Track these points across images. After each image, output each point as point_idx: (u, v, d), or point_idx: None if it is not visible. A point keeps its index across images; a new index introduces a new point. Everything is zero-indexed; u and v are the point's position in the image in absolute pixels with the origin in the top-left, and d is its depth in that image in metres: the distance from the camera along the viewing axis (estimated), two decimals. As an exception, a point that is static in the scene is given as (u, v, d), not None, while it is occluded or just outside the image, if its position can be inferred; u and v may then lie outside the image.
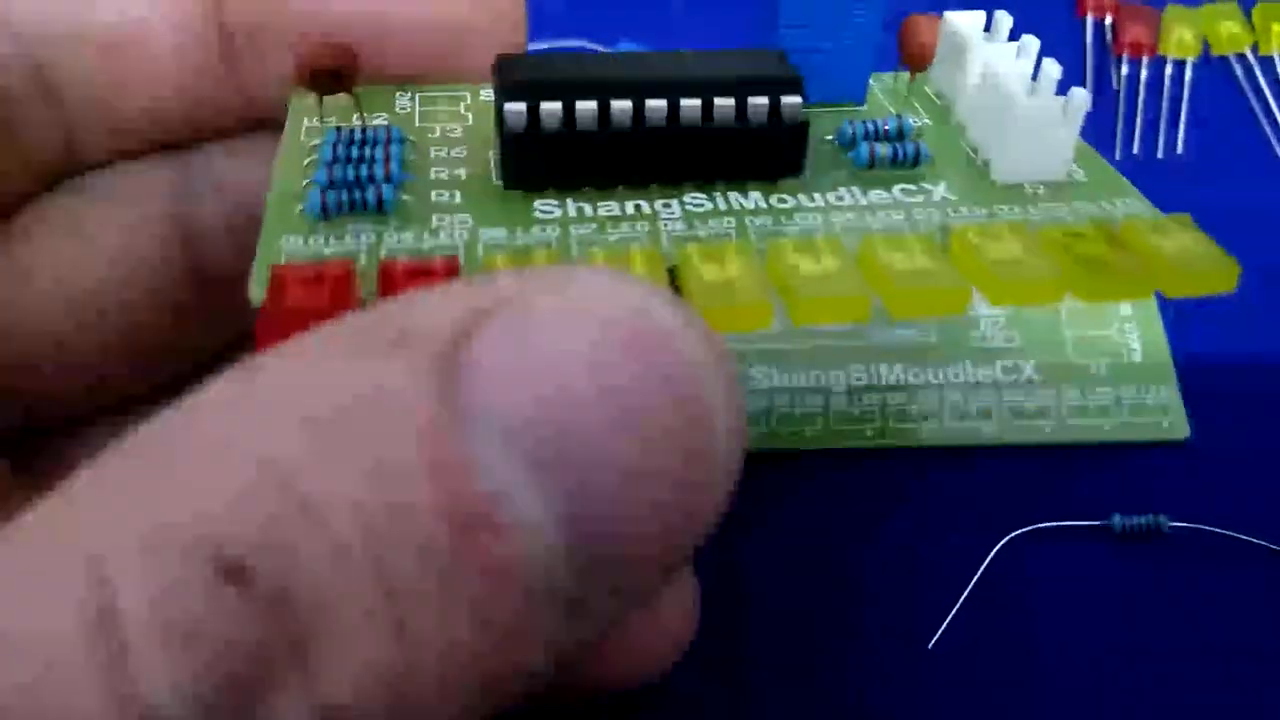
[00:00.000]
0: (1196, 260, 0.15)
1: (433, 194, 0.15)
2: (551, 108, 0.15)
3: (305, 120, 0.17)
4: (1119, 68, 0.32)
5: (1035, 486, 0.24)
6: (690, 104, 0.15)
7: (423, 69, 0.18)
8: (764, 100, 0.15)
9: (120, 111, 0.17)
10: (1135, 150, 0.30)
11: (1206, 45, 0.32)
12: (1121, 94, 0.31)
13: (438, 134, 0.17)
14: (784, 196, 0.16)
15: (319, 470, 0.09)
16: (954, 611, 0.22)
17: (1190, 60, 0.32)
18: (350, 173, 0.14)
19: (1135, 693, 0.21)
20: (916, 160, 0.17)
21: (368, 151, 0.15)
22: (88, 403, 0.18)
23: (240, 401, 0.10)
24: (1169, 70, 0.32)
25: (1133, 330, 0.26)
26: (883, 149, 0.17)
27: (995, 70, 0.17)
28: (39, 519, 0.09)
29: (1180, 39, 0.32)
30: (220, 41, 0.17)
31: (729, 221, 0.15)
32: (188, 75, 0.17)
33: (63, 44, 0.17)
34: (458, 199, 0.15)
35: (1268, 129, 0.30)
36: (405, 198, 0.15)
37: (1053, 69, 0.16)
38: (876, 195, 0.16)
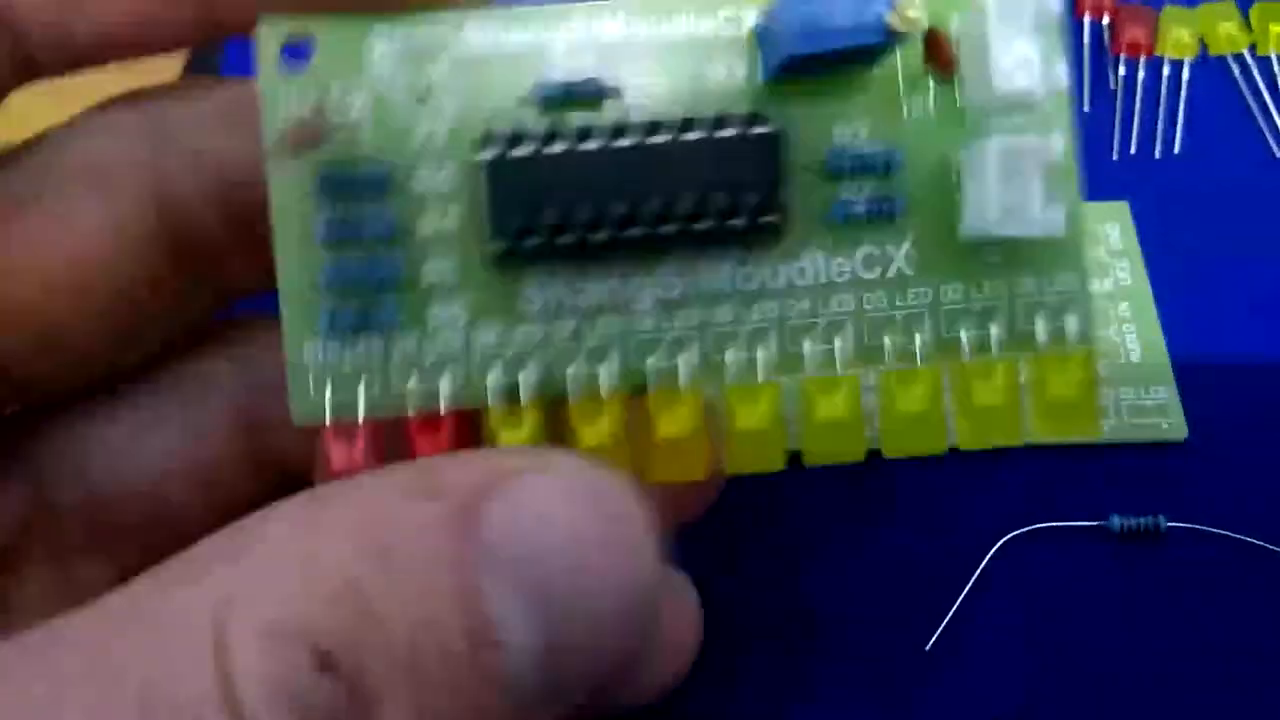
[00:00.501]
0: (1066, 416, 0.17)
1: (425, 269, 0.16)
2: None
3: (288, 181, 0.16)
4: (1116, 68, 0.32)
5: (1034, 487, 0.24)
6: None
7: None
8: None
9: (73, 37, 0.17)
10: (1133, 150, 0.30)
11: (1204, 45, 0.32)
12: (1119, 94, 0.31)
13: (422, 136, 0.16)
14: (750, 273, 0.16)
15: (382, 587, 0.12)
16: (952, 612, 0.22)
17: (1188, 60, 0.32)
18: (349, 272, 0.16)
19: (1134, 692, 0.21)
20: (893, 216, 0.16)
21: (359, 224, 0.16)
22: (70, 380, 0.18)
23: (323, 523, 0.13)
24: (1166, 70, 0.32)
25: (1131, 331, 0.26)
26: (858, 208, 0.16)
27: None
28: (159, 585, 0.12)
29: (1178, 39, 0.32)
30: None
31: (694, 314, 0.16)
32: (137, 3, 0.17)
33: None
34: (449, 272, 0.16)
35: (1265, 129, 0.30)
36: (403, 310, 0.16)
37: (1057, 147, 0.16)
38: (838, 269, 0.16)
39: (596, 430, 0.16)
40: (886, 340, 0.16)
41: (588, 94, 0.16)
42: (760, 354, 0.16)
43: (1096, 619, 0.22)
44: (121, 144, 0.18)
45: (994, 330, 0.16)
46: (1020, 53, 0.15)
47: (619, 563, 0.13)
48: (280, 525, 0.13)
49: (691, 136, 0.16)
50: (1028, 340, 0.16)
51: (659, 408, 0.16)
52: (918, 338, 0.16)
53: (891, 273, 0.16)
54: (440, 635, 0.12)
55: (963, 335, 0.16)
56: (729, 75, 0.16)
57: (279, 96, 0.16)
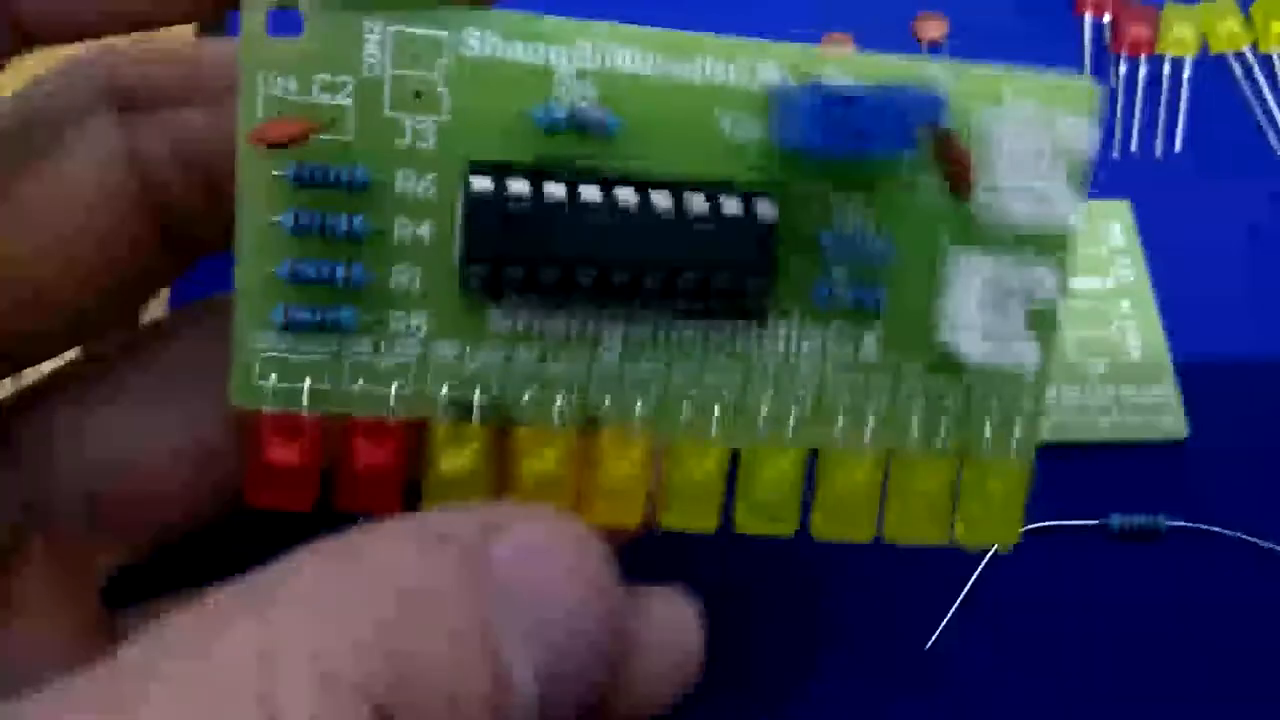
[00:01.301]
0: (988, 524, 0.17)
1: (393, 273, 0.15)
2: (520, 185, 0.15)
3: (261, 174, 0.15)
4: (1118, 66, 0.32)
5: (1033, 485, 0.24)
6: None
7: None
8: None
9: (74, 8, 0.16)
10: (1134, 148, 0.30)
11: (1205, 43, 0.32)
12: (1120, 92, 0.31)
13: (409, 138, 0.15)
14: (721, 338, 0.16)
15: (415, 635, 0.13)
16: (951, 611, 0.22)
17: (1189, 58, 0.32)
18: (311, 270, 0.15)
19: (1134, 691, 0.21)
20: (877, 308, 0.16)
21: (329, 222, 0.15)
22: (53, 342, 0.19)
23: (348, 574, 0.13)
24: (1167, 68, 0.32)
25: (1131, 330, 0.26)
26: (841, 292, 0.16)
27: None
28: (179, 639, 0.12)
29: (1179, 37, 0.32)
30: None
31: (659, 363, 0.16)
32: None
33: None
34: (417, 281, 0.16)
35: (1266, 127, 0.30)
36: (363, 314, 0.16)
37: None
38: (808, 343, 0.16)
39: (541, 462, 0.16)
40: (840, 419, 0.16)
41: (590, 127, 0.15)
42: (717, 411, 0.16)
43: (1096, 618, 0.22)
44: (94, 103, 0.18)
45: (943, 426, 0.16)
46: (1030, 183, 0.15)
47: (599, 597, 0.15)
48: (303, 578, 0.13)
49: (688, 208, 0.15)
50: (972, 442, 0.16)
51: (608, 451, 0.16)
52: (870, 421, 0.16)
53: (860, 356, 0.16)
54: (471, 680, 0.13)
55: (914, 425, 0.16)
56: (740, 131, 0.15)
57: (257, 81, 0.15)
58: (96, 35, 0.17)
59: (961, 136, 0.15)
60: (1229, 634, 0.22)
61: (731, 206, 0.15)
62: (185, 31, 0.16)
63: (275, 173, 0.15)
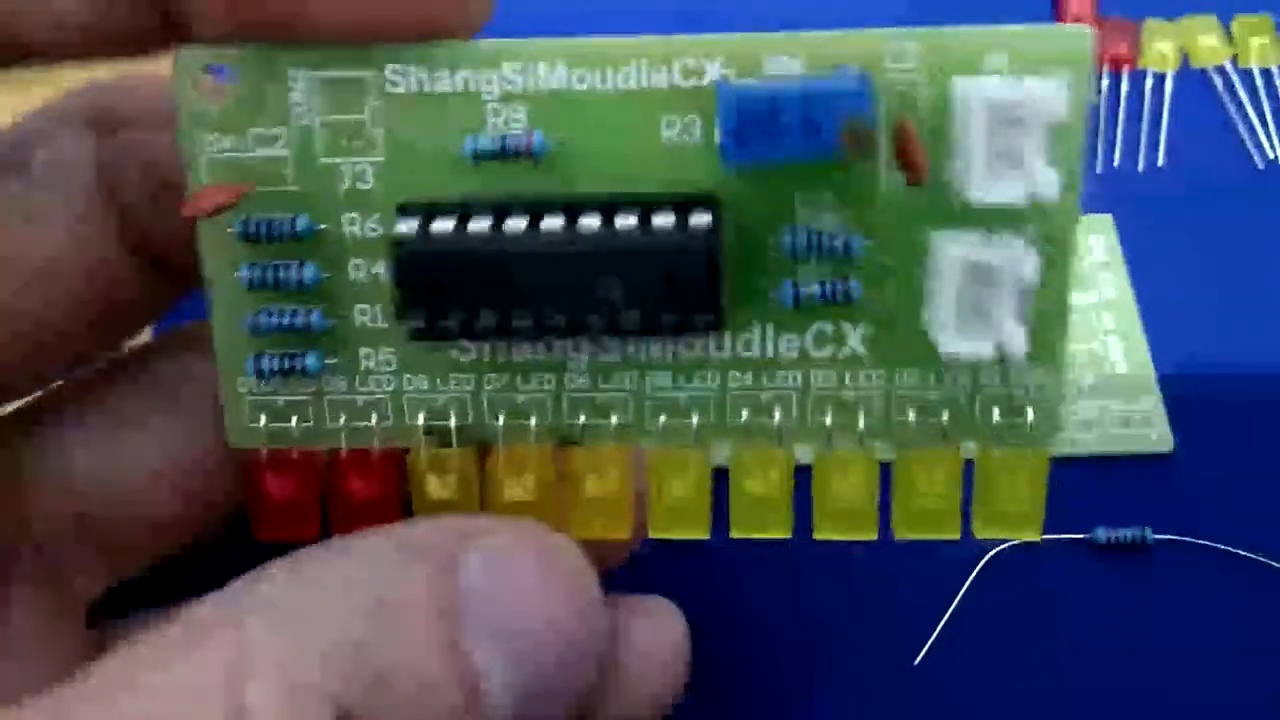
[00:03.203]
0: (1012, 516, 0.16)
1: (355, 313, 0.16)
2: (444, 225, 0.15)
3: (214, 233, 0.16)
4: (1099, 81, 0.32)
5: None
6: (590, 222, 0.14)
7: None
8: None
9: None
10: (1116, 163, 0.30)
11: (1186, 58, 0.32)
12: (1102, 107, 0.32)
13: (349, 180, 0.15)
14: (692, 343, 0.16)
15: (385, 647, 0.13)
16: (939, 627, 0.22)
17: (1170, 73, 0.32)
18: (273, 321, 0.15)
19: (1121, 705, 0.21)
20: (849, 300, 0.15)
21: (280, 274, 0.15)
22: (40, 375, 0.19)
23: (321, 586, 0.13)
24: (1149, 83, 0.32)
25: (1116, 343, 0.26)
26: (810, 289, 0.15)
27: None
28: (155, 650, 0.13)
29: (1160, 52, 0.32)
30: None
31: (631, 377, 0.16)
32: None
33: None
34: (379, 320, 0.16)
35: (1247, 140, 0.30)
36: (330, 357, 0.16)
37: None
38: (786, 344, 0.16)
39: (522, 483, 0.16)
40: (829, 421, 0.16)
41: (520, 153, 0.15)
42: (695, 420, 0.16)
43: (1084, 632, 0.22)
44: (76, 140, 0.18)
45: (945, 421, 0.16)
46: (1003, 152, 0.14)
47: (573, 604, 0.15)
48: (276, 589, 0.13)
49: (622, 225, 0.14)
50: (982, 435, 0.16)
51: (587, 465, 0.16)
52: (862, 421, 0.16)
53: (844, 353, 0.16)
54: (442, 690, 0.13)
55: (912, 421, 0.16)
56: (683, 137, 0.15)
57: (194, 128, 0.15)
58: (46, 58, 0.17)
59: (909, 119, 0.14)
60: (1216, 647, 0.22)
61: (663, 220, 0.14)
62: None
63: (229, 230, 0.15)
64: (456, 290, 0.15)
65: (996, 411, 0.15)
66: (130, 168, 0.18)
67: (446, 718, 0.13)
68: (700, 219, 0.14)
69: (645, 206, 0.14)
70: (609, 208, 0.14)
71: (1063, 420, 0.16)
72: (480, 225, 0.14)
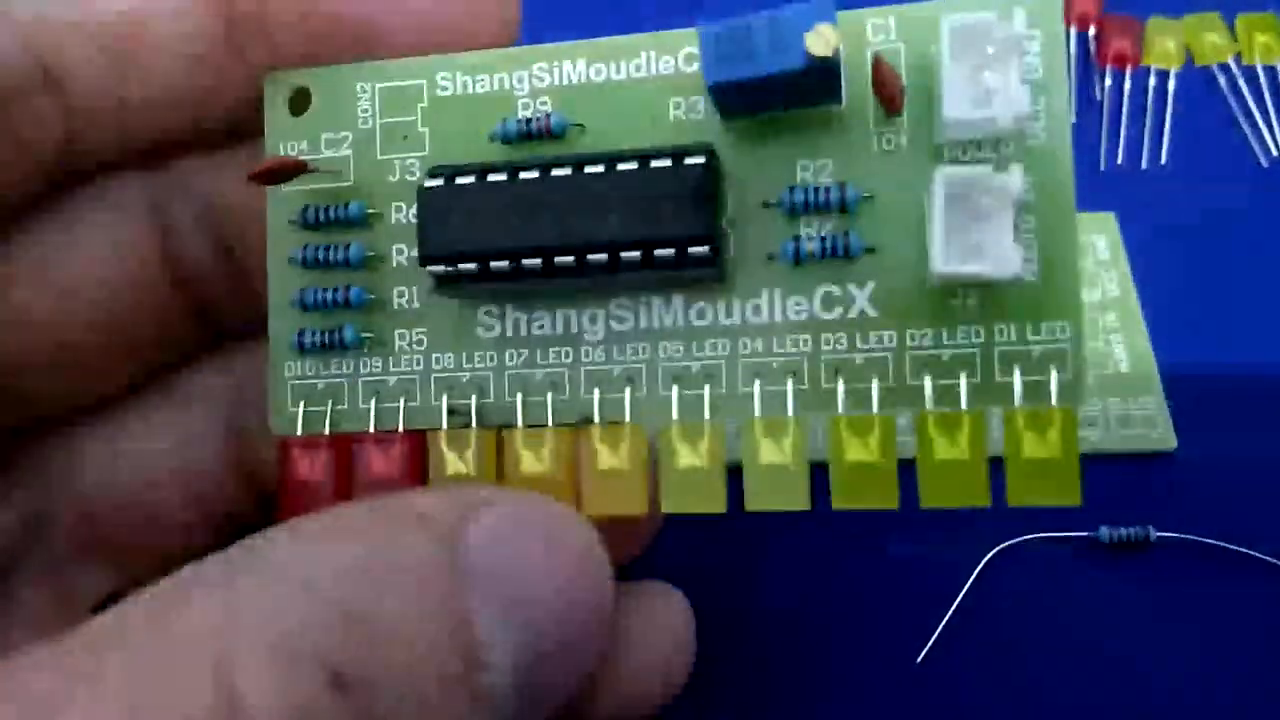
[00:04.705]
0: (1041, 480, 0.15)
1: (394, 294, 0.17)
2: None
3: (280, 208, 0.18)
4: (1103, 79, 0.32)
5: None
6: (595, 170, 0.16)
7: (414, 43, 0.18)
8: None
9: (123, 102, 0.17)
10: (1119, 161, 0.30)
11: (1190, 56, 0.32)
12: (1105, 105, 0.32)
13: (399, 173, 0.17)
14: (703, 308, 0.16)
15: (383, 611, 0.13)
16: (942, 625, 0.22)
17: (1174, 71, 0.32)
18: (320, 297, 0.17)
19: (1124, 701, 0.21)
20: (848, 254, 0.15)
21: (334, 254, 0.17)
22: (72, 395, 0.19)
23: (318, 550, 0.13)
24: (1153, 81, 0.32)
25: (1119, 342, 0.26)
26: (810, 245, 0.15)
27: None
28: (149, 606, 0.13)
29: (1164, 50, 0.32)
30: (226, 29, 0.17)
31: (644, 347, 0.17)
32: (192, 66, 0.17)
33: (65, 33, 0.17)
34: (415, 302, 0.17)
35: (1250, 138, 0.30)
36: (367, 332, 0.18)
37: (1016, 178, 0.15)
38: (795, 307, 0.16)
39: (538, 458, 0.16)
40: (841, 385, 0.16)
41: (542, 131, 0.17)
42: (708, 391, 0.16)
43: (1087, 629, 0.22)
44: (124, 177, 0.18)
45: (964, 381, 0.15)
46: (977, 80, 0.14)
47: (579, 575, 0.15)
48: (273, 551, 0.13)
49: (622, 167, 0.16)
50: (1003, 394, 0.15)
51: (601, 441, 0.16)
52: (875, 383, 0.16)
53: (853, 314, 0.16)
54: (439, 657, 0.13)
55: (928, 384, 0.15)
56: (689, 112, 0.17)
57: (278, 139, 0.18)
58: (144, 138, 0.18)
59: (884, 57, 0.15)
60: (1219, 642, 0.22)
61: (661, 161, 0.16)
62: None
63: (289, 219, 0.17)
64: (467, 227, 0.16)
65: (1018, 370, 0.15)
66: (182, 212, 0.18)
67: (445, 684, 0.13)
68: (694, 159, 0.16)
69: (646, 156, 0.16)
70: (613, 160, 0.16)
71: (1085, 379, 0.15)
72: (498, 176, 0.16)
